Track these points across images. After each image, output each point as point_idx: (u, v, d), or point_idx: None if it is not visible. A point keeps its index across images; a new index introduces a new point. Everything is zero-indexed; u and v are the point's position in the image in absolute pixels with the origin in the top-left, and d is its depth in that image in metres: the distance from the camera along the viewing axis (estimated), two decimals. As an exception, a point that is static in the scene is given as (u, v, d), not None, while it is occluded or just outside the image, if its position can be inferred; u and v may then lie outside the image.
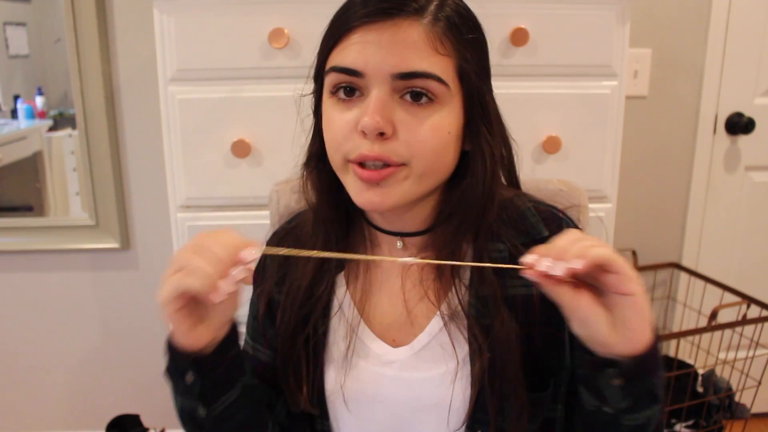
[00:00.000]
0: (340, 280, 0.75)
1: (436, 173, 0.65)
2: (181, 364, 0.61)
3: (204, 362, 0.61)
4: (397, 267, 0.73)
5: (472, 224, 0.68)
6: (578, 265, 0.52)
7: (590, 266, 0.52)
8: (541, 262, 0.54)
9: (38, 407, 1.82)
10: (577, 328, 0.56)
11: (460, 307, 0.69)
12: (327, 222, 0.73)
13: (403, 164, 0.62)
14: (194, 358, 0.60)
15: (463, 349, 0.68)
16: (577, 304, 0.54)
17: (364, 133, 0.61)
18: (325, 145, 0.67)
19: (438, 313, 0.70)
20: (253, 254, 0.56)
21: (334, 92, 0.64)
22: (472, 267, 0.69)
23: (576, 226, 0.73)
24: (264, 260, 0.81)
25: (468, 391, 0.67)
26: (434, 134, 0.62)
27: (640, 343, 0.54)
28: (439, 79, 0.61)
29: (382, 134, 0.61)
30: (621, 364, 0.55)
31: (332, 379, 0.72)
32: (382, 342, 0.72)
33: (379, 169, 0.62)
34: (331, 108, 0.65)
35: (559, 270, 0.53)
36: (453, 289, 0.69)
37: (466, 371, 0.68)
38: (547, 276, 0.54)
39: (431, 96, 0.62)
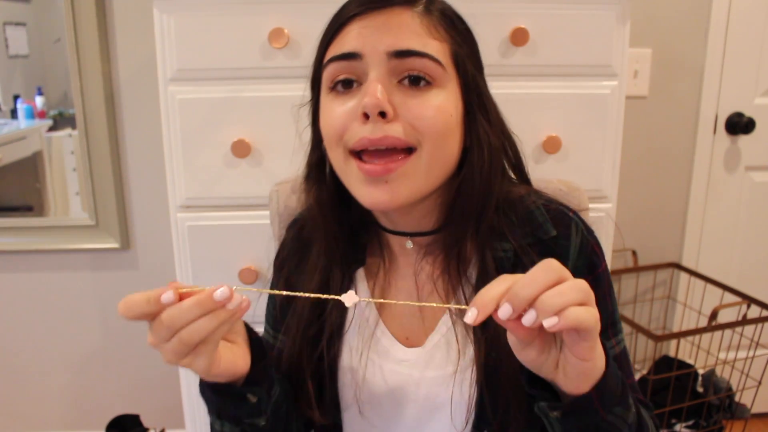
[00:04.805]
0: (360, 275, 0.75)
1: (442, 163, 0.64)
2: (236, 392, 0.61)
3: (255, 376, 0.61)
4: (411, 266, 0.73)
5: (471, 220, 0.67)
6: (552, 324, 0.46)
7: (565, 329, 0.48)
8: (507, 309, 0.48)
9: (38, 407, 1.82)
10: (520, 358, 0.54)
11: (467, 305, 0.68)
12: (330, 237, 0.72)
13: (411, 149, 0.61)
14: (248, 380, 0.61)
15: (471, 348, 0.68)
16: (528, 345, 0.52)
17: (365, 117, 0.60)
18: (326, 145, 0.67)
19: (447, 312, 0.71)
20: (225, 292, 0.52)
21: (333, 87, 0.64)
22: (478, 267, 0.69)
23: (587, 227, 0.71)
24: (283, 248, 0.81)
25: (474, 390, 0.68)
26: (438, 115, 0.61)
27: (579, 389, 0.53)
28: (436, 59, 0.61)
29: (383, 116, 0.60)
30: (559, 398, 0.54)
31: (346, 373, 0.73)
32: (395, 340, 0.72)
33: (385, 162, 0.61)
34: (329, 104, 0.65)
35: (528, 322, 0.48)
36: (460, 288, 0.69)
37: (471, 370, 0.68)
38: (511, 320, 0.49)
39: (429, 79, 0.61)
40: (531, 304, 0.47)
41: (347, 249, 0.73)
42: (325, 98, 0.65)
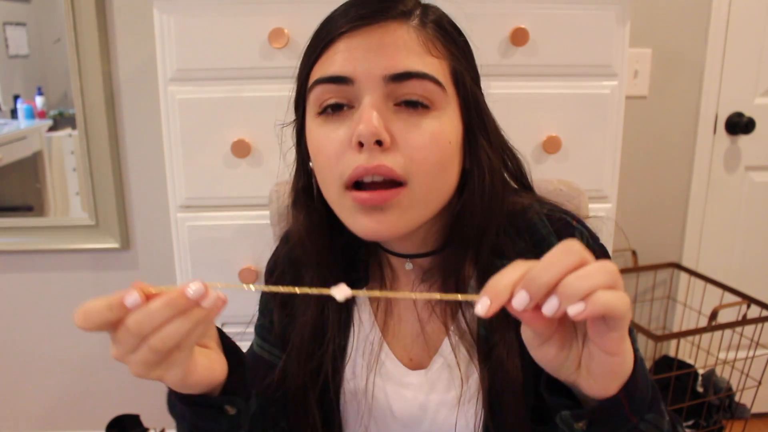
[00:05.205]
0: (363, 297, 0.72)
1: (440, 192, 0.60)
2: (213, 403, 0.55)
3: (233, 385, 0.56)
4: (411, 287, 0.70)
5: (471, 244, 0.64)
6: (578, 311, 0.40)
7: (593, 317, 0.42)
8: (523, 297, 0.42)
9: (38, 407, 1.82)
10: (537, 357, 0.48)
11: (467, 330, 0.66)
12: (323, 267, 0.68)
13: (402, 184, 0.57)
14: (225, 389, 0.55)
15: (475, 374, 0.65)
16: (546, 340, 0.46)
17: (360, 146, 0.55)
18: (317, 175, 0.62)
19: (448, 334, 0.68)
20: (199, 287, 0.45)
21: (321, 112, 0.59)
22: (478, 289, 0.66)
23: (592, 235, 0.68)
24: (276, 265, 0.77)
25: (480, 417, 0.64)
26: (435, 144, 0.57)
27: (605, 391, 0.47)
28: (436, 80, 0.57)
29: (379, 144, 0.55)
30: (582, 404, 0.49)
31: (350, 399, 0.71)
32: (399, 363, 0.70)
33: (381, 189, 0.56)
34: (318, 129, 0.59)
35: (550, 311, 0.42)
36: (459, 312, 0.66)
37: (477, 398, 0.65)
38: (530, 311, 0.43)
39: (428, 102, 0.57)
40: (551, 290, 0.42)
41: (342, 274, 0.69)
42: (313, 122, 0.60)
